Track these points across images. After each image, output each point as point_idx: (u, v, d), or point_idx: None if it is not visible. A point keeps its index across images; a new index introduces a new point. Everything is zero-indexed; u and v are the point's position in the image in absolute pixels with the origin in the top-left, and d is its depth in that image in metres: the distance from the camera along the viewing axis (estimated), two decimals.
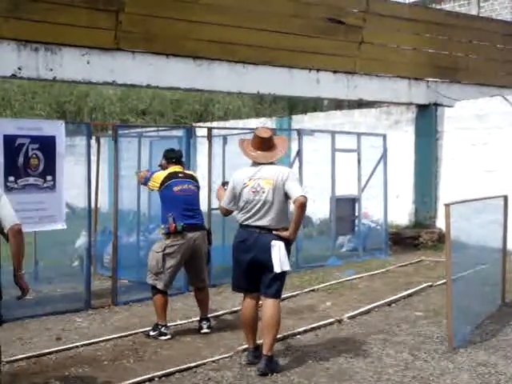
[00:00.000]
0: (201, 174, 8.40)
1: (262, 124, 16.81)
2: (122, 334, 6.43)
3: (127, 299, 7.96)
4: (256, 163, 5.50)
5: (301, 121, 16.46)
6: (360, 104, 16.52)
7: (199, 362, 5.53)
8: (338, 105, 20.12)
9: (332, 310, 7.55)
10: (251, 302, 5.59)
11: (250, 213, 5.43)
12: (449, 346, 5.95)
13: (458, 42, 13.15)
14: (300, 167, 10.40)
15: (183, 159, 7.03)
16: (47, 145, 7.12)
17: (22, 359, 5.66)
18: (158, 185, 6.56)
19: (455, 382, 5.11)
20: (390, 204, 11.96)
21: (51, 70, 8.42)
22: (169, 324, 6.54)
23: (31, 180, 7.00)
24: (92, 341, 6.21)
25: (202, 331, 6.56)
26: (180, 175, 6.62)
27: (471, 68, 13.35)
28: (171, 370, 5.33)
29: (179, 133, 9.47)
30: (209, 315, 6.83)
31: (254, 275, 5.49)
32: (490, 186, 11.02)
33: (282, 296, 7.51)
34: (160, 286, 6.40)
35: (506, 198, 7.75)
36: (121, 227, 8.42)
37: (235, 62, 10.08)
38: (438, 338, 6.30)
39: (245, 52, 10.10)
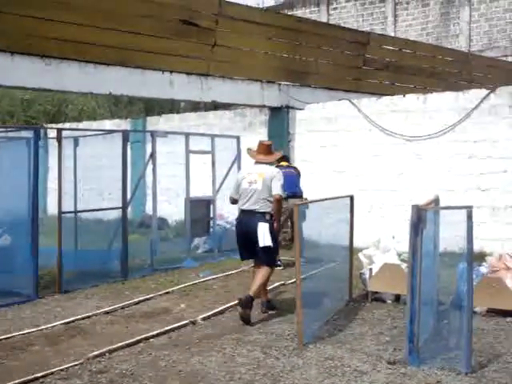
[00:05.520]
0: (53, 176, 8.12)
1: (117, 126, 16.59)
2: None
3: None
4: (256, 163, 7.42)
5: (156, 123, 16.36)
6: (216, 106, 16.64)
7: (46, 372, 5.32)
8: (195, 107, 20.20)
9: (186, 311, 7.53)
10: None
11: (245, 199, 7.26)
12: (299, 342, 6.11)
13: (308, 47, 13.52)
14: (154, 169, 10.27)
15: None
16: None
17: None
18: None
19: (304, 377, 5.25)
20: None
21: None
22: (16, 333, 6.41)
23: None
24: None
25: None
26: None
27: (321, 72, 13.79)
28: (15, 381, 5.08)
29: (28, 134, 9.08)
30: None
31: (251, 247, 7.18)
32: (340, 186, 11.44)
33: (136, 300, 7.52)
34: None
35: (352, 197, 8.06)
36: None
37: (86, 62, 9.84)
38: (289, 335, 6.45)
39: (96, 52, 9.88)
